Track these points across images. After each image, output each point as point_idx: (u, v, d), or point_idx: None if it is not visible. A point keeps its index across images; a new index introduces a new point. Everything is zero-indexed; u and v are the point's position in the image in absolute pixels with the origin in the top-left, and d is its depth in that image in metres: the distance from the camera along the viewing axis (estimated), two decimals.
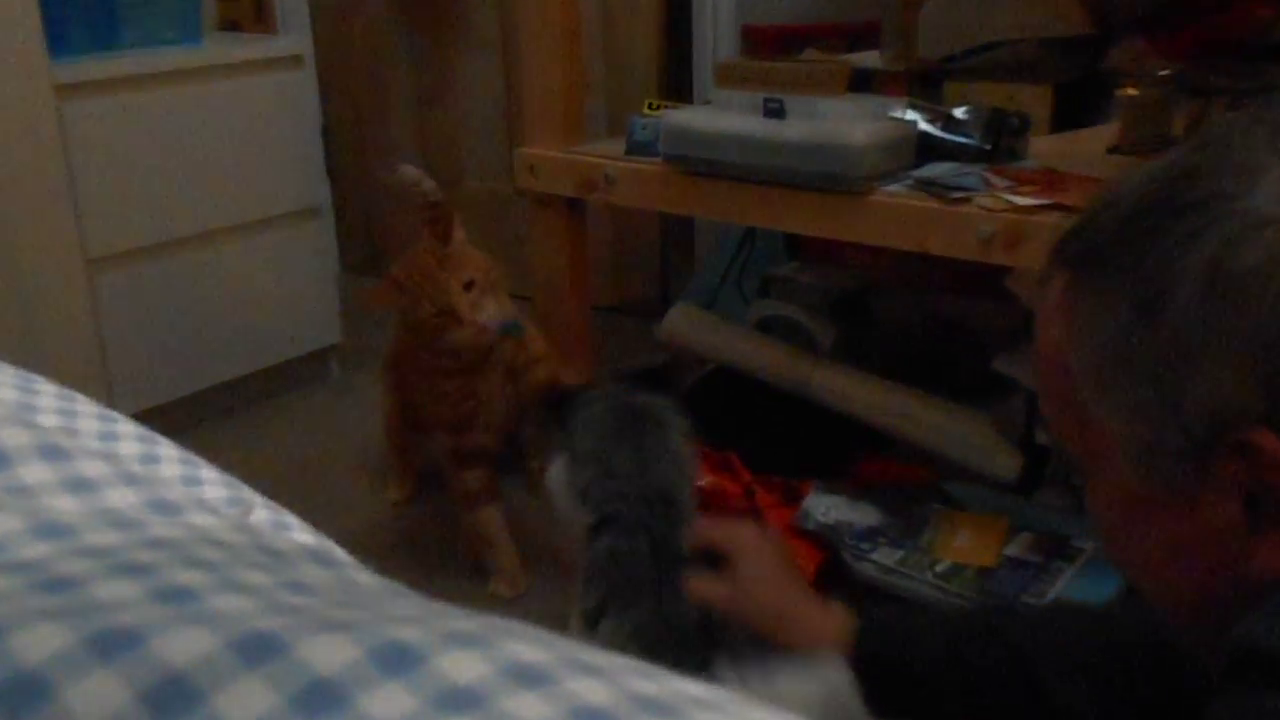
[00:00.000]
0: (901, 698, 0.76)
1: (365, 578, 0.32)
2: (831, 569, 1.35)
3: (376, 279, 1.48)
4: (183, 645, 0.22)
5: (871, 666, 0.77)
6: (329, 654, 0.22)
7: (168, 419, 1.76)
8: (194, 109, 1.77)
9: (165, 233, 1.78)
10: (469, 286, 1.30)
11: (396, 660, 0.22)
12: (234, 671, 0.21)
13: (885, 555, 1.32)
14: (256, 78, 1.84)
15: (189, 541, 0.30)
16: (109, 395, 1.74)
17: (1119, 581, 1.25)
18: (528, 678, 0.22)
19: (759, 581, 0.81)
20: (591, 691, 0.22)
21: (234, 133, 1.83)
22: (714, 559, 0.83)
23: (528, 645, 0.23)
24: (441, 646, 0.22)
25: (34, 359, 1.61)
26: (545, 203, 1.55)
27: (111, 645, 0.22)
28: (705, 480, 1.45)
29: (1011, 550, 1.31)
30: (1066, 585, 1.25)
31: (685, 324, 1.72)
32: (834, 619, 0.81)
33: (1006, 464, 1.40)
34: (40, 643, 0.22)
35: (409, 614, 0.25)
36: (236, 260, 1.89)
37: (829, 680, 0.74)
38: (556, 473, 0.90)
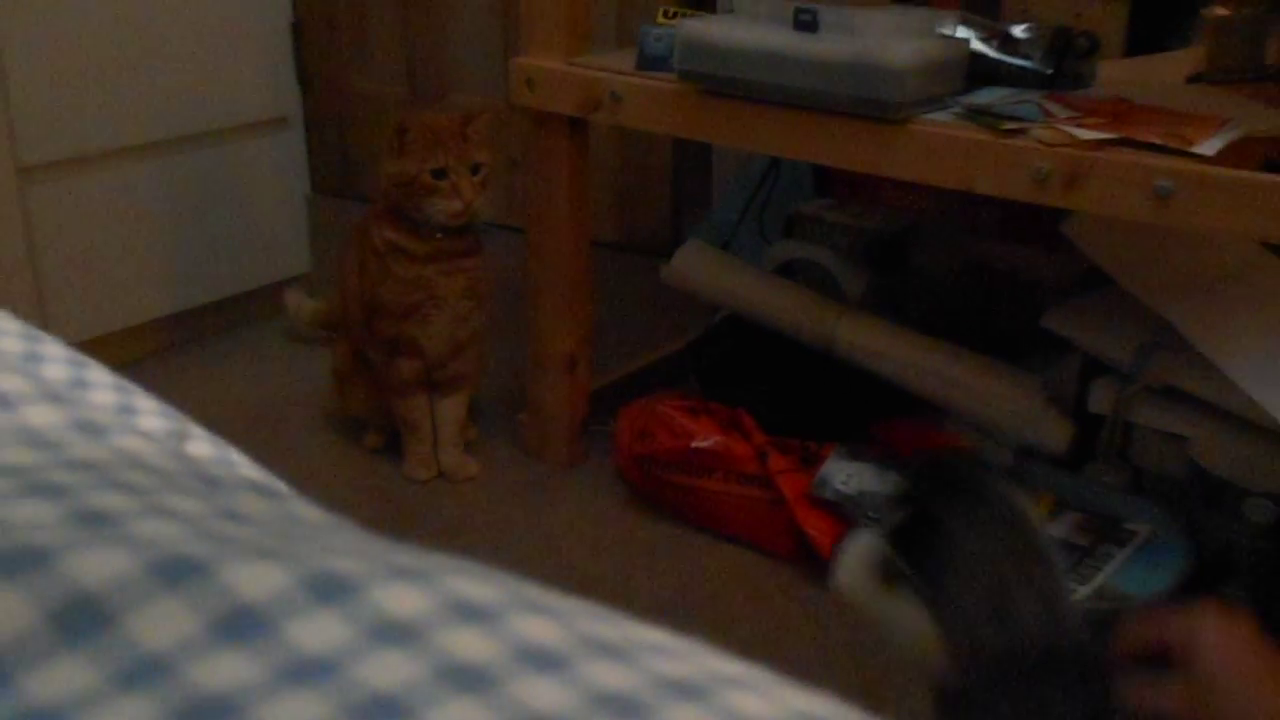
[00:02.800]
0: None
1: (309, 511, 0.33)
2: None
3: (352, 201, 1.50)
4: (94, 566, 0.23)
5: None
6: (256, 580, 0.23)
7: (107, 352, 1.77)
8: (144, 0, 1.76)
9: (109, 140, 1.78)
10: (477, 169, 1.48)
11: (330, 590, 0.23)
12: (150, 594, 0.22)
13: None
14: None
15: (115, 464, 0.30)
16: (42, 323, 1.74)
17: (1175, 570, 1.27)
18: (471, 614, 0.23)
19: (1234, 680, 0.70)
20: (539, 630, 0.23)
21: (191, 29, 1.82)
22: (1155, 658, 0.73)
23: (473, 582, 0.24)
24: (380, 579, 0.23)
25: None
26: (543, 122, 1.54)
27: (16, 564, 0.23)
28: (712, 440, 1.47)
29: (1054, 531, 1.32)
30: (1115, 572, 1.26)
31: (696, 264, 1.72)
32: None
33: (1055, 434, 1.41)
34: None
35: (349, 546, 0.26)
36: (192, 175, 1.88)
37: None
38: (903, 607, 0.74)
